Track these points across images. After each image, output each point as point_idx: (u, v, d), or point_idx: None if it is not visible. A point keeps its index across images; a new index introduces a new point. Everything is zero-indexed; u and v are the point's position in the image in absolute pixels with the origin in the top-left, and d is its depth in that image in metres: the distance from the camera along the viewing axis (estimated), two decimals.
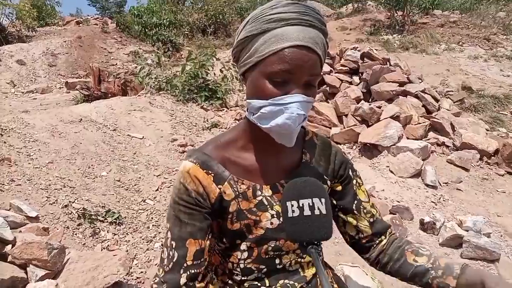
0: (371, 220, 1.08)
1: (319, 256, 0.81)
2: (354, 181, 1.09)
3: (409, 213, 3.61)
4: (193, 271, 0.94)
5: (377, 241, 1.09)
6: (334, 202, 1.07)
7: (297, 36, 0.80)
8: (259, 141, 0.97)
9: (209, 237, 0.98)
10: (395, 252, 1.06)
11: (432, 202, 3.85)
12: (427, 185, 4.07)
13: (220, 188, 0.95)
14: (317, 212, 0.81)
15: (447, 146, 4.84)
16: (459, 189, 4.08)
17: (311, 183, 0.86)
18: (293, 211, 0.81)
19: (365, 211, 1.08)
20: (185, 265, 0.93)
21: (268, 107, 0.84)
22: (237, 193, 0.96)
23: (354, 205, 1.07)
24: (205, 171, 0.94)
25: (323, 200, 0.82)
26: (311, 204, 0.81)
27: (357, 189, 1.09)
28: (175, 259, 0.93)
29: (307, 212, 0.80)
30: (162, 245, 0.98)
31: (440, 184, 4.13)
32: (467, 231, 3.27)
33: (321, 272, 0.75)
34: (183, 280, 0.93)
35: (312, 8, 0.84)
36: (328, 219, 0.82)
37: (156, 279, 0.97)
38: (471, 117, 5.60)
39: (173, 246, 0.93)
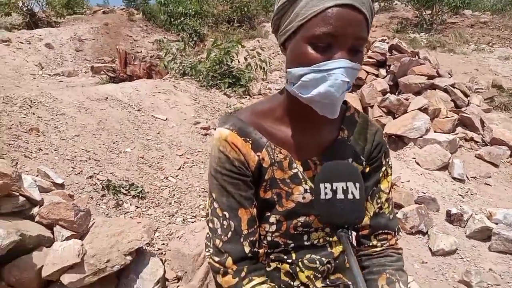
0: (377, 211, 1.02)
1: (349, 240, 0.77)
2: (383, 168, 1.03)
3: (435, 204, 3.51)
4: (252, 239, 0.93)
5: (370, 244, 1.04)
6: None
7: None
8: (296, 114, 0.94)
9: (255, 204, 0.96)
10: (376, 266, 1.02)
11: (460, 195, 3.74)
12: (454, 178, 3.95)
13: (258, 156, 0.93)
14: (350, 196, 0.78)
15: (476, 142, 4.69)
16: (488, 184, 3.95)
17: (347, 166, 0.83)
18: (326, 194, 0.78)
19: (378, 200, 1.02)
20: (243, 234, 0.92)
21: (310, 75, 0.78)
22: (273, 160, 0.93)
23: (372, 191, 1.02)
24: (243, 138, 0.92)
25: (357, 184, 0.79)
26: (345, 188, 0.78)
27: (383, 178, 1.03)
28: (232, 228, 0.92)
29: (340, 195, 0.78)
30: (207, 215, 0.96)
31: (468, 178, 4.01)
32: (497, 224, 3.16)
33: (350, 255, 0.73)
34: (247, 248, 0.92)
35: None
36: (361, 204, 0.79)
37: (210, 250, 0.96)
38: (502, 114, 5.42)
39: (226, 216, 0.92)
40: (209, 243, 0.97)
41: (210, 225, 0.95)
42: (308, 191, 0.96)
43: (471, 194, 3.76)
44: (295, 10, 0.79)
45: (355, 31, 0.76)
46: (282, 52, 0.90)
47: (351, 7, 0.75)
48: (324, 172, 0.82)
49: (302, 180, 0.95)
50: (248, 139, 0.92)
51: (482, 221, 3.18)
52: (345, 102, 1.01)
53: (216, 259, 0.93)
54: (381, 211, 1.03)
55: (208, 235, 0.99)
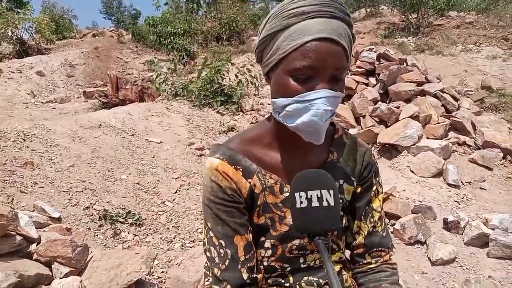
0: (370, 230, 1.04)
1: (326, 247, 0.78)
2: (374, 188, 1.05)
3: (432, 213, 3.53)
4: (249, 265, 0.95)
5: (365, 262, 1.05)
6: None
7: (319, 29, 0.78)
8: (284, 139, 0.96)
9: (250, 230, 0.97)
10: (372, 281, 1.04)
11: (455, 201, 3.76)
12: (450, 185, 3.97)
13: (250, 182, 0.94)
14: (325, 203, 0.79)
15: (469, 146, 4.73)
16: (483, 188, 3.98)
17: (320, 174, 0.84)
18: (301, 202, 0.79)
19: (371, 219, 1.04)
20: (241, 261, 0.93)
21: (293, 105, 0.82)
22: (264, 186, 0.95)
23: (364, 210, 1.04)
24: (233, 166, 0.94)
25: (331, 191, 0.80)
26: (319, 196, 0.79)
27: (374, 197, 1.05)
28: (229, 256, 0.93)
29: (315, 203, 0.79)
30: (204, 244, 0.97)
31: (463, 184, 4.03)
32: (493, 229, 3.18)
33: (327, 261, 0.73)
34: (245, 275, 0.93)
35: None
36: (336, 210, 0.81)
37: (209, 279, 0.97)
38: (492, 116, 5.47)
39: (223, 245, 0.93)
40: (208, 272, 0.97)
41: (208, 254, 0.96)
42: None
43: (467, 199, 3.79)
44: (276, 43, 0.82)
45: (334, 62, 0.79)
46: (267, 81, 0.94)
47: (329, 40, 0.78)
48: (298, 181, 0.83)
49: None
50: (238, 167, 0.94)
51: (479, 228, 3.20)
52: (333, 124, 1.04)
53: None
54: (374, 230, 1.05)
55: (206, 264, 0.99)
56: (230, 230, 0.93)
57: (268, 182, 0.96)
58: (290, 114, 0.83)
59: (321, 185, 0.81)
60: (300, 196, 0.80)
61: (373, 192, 1.05)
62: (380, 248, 1.05)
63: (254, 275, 0.96)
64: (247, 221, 0.96)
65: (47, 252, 2.25)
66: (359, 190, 1.04)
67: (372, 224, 1.04)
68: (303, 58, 0.78)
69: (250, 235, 0.97)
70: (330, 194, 0.80)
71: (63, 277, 2.20)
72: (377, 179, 1.06)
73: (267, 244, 0.99)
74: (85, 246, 2.38)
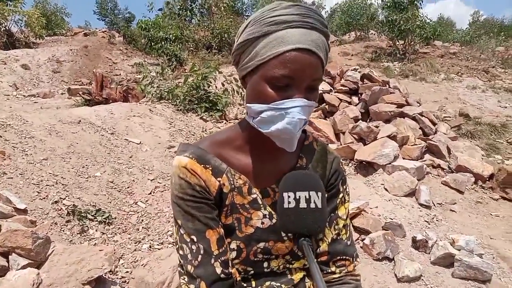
0: (334, 237, 1.04)
1: (310, 248, 0.79)
2: (341, 195, 1.05)
3: (401, 230, 3.57)
4: (223, 258, 0.93)
5: (329, 271, 1.05)
6: None
7: (299, 39, 0.79)
8: (256, 143, 0.97)
9: (221, 225, 0.97)
10: None
11: (426, 221, 3.82)
12: (421, 205, 4.04)
13: (219, 181, 0.94)
14: (312, 205, 0.80)
15: (443, 169, 4.84)
16: (453, 210, 4.06)
17: (310, 176, 0.86)
18: (289, 202, 0.81)
19: (336, 227, 1.04)
20: (214, 255, 0.92)
21: (268, 112, 0.83)
22: (233, 186, 0.95)
23: (329, 217, 1.04)
24: (202, 165, 0.93)
25: (319, 194, 0.82)
26: (307, 197, 0.80)
27: (340, 204, 1.06)
28: (201, 251, 0.92)
29: (303, 204, 0.80)
30: (176, 243, 0.96)
31: (434, 205, 4.11)
32: (459, 250, 3.24)
33: (312, 263, 0.74)
34: (218, 269, 0.92)
35: (314, 10, 0.84)
36: (323, 213, 0.82)
37: (184, 278, 0.95)
38: (467, 142, 5.63)
39: (194, 240, 0.92)
40: (182, 271, 0.96)
41: (180, 252, 0.94)
42: (267, 216, 0.97)
43: (437, 220, 3.86)
44: (255, 49, 0.83)
45: (311, 73, 0.81)
46: (242, 85, 0.95)
47: (309, 51, 0.80)
48: (287, 181, 0.84)
49: (261, 206, 0.97)
50: (207, 166, 0.94)
51: (445, 248, 3.25)
52: (304, 131, 1.04)
53: (191, 286, 0.93)
54: (338, 237, 1.04)
55: (180, 263, 0.97)
56: (201, 225, 0.92)
57: (237, 182, 0.96)
58: (265, 121, 0.84)
59: (310, 187, 0.82)
60: (289, 196, 0.81)
61: (339, 200, 1.05)
62: (344, 257, 1.04)
63: (229, 270, 0.94)
64: (217, 216, 0.96)
65: (5, 242, 2.18)
66: (326, 196, 1.05)
67: (337, 232, 1.04)
68: (282, 67, 0.79)
69: (222, 229, 0.96)
70: (318, 196, 0.81)
71: (20, 269, 2.13)
72: (344, 187, 1.07)
73: (233, 245, 0.98)
74: (47, 239, 2.32)
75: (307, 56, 0.80)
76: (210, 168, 0.94)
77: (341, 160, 1.10)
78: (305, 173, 0.87)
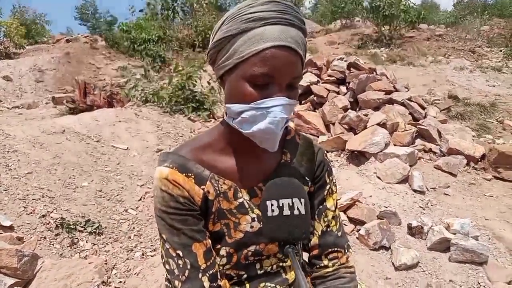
0: (324, 229, 1.03)
1: (296, 256, 0.79)
2: (328, 187, 1.05)
3: (396, 218, 3.55)
4: (211, 272, 0.91)
5: (322, 265, 1.04)
6: None
7: (278, 36, 0.78)
8: (238, 144, 0.94)
9: (209, 235, 0.94)
10: None
11: (420, 207, 3.80)
12: (415, 191, 4.03)
13: (203, 189, 0.92)
14: (296, 212, 0.80)
15: (434, 153, 4.83)
16: (447, 194, 4.05)
17: (292, 183, 0.85)
18: (272, 211, 0.80)
19: (325, 219, 1.03)
20: (201, 269, 0.90)
21: (249, 112, 0.81)
22: (218, 192, 0.93)
23: (318, 210, 1.04)
24: (184, 174, 0.90)
25: (302, 200, 0.81)
26: (290, 204, 0.80)
27: (328, 196, 1.05)
28: (188, 266, 0.89)
29: (286, 212, 0.79)
30: (162, 257, 0.93)
31: (428, 190, 4.10)
32: (455, 234, 3.22)
33: (298, 271, 0.74)
34: (206, 284, 0.90)
35: (291, 6, 0.82)
36: (306, 219, 0.81)
37: None
38: (457, 124, 5.63)
39: (180, 255, 0.89)
40: (169, 285, 0.95)
41: (167, 266, 0.92)
42: (256, 219, 0.95)
43: (431, 205, 3.84)
44: (233, 47, 0.80)
45: (291, 71, 0.80)
46: (220, 84, 0.93)
47: (288, 48, 0.78)
48: (270, 189, 0.84)
49: (249, 209, 0.95)
50: (190, 174, 0.91)
51: (441, 232, 3.24)
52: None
53: None
54: (328, 229, 1.03)
55: (167, 277, 0.96)
56: (187, 239, 0.89)
57: (221, 187, 0.93)
58: (246, 121, 0.82)
59: (293, 194, 0.81)
60: (272, 204, 0.80)
61: (326, 191, 1.04)
62: (335, 249, 1.04)
63: (217, 283, 0.92)
64: (204, 227, 0.93)
65: None
66: (312, 189, 1.04)
67: (326, 224, 1.03)
68: (262, 64, 0.77)
69: (209, 240, 0.94)
70: (301, 203, 0.81)
71: None
72: (331, 178, 1.06)
73: (223, 251, 0.97)
74: (34, 256, 2.26)
75: (287, 54, 0.78)
76: (193, 177, 0.91)
77: (325, 152, 1.08)
78: (288, 179, 0.86)
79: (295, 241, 0.80)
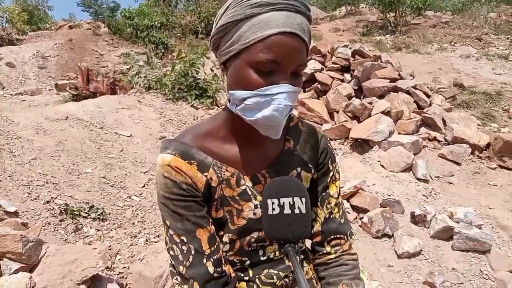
0: (327, 216, 1.03)
1: (296, 254, 0.78)
2: (331, 174, 1.04)
3: (400, 207, 3.55)
4: (215, 257, 0.91)
5: (324, 251, 1.04)
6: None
7: (285, 22, 0.76)
8: (241, 132, 0.93)
9: (212, 221, 0.94)
10: (333, 276, 1.03)
11: (424, 195, 3.80)
12: (418, 179, 4.02)
13: (206, 176, 0.91)
14: (297, 211, 0.79)
15: (439, 141, 4.80)
16: (451, 183, 4.03)
17: (293, 182, 0.85)
18: (273, 209, 0.80)
19: (328, 206, 1.03)
20: (205, 254, 0.90)
21: (253, 98, 0.79)
22: (220, 179, 0.92)
23: (321, 197, 1.03)
24: (187, 161, 0.90)
25: (303, 199, 0.81)
26: (291, 203, 0.79)
27: (331, 183, 1.05)
28: (192, 252, 0.90)
29: (287, 210, 0.79)
30: (166, 244, 0.93)
31: (432, 178, 4.08)
32: (458, 222, 3.22)
33: (297, 269, 0.73)
34: (211, 269, 0.90)
35: None
36: (307, 218, 0.81)
37: (177, 278, 0.94)
38: (462, 113, 5.57)
39: (184, 241, 0.89)
40: (174, 271, 0.94)
41: (171, 252, 0.92)
42: (259, 206, 0.95)
43: (435, 194, 3.83)
44: (238, 32, 0.79)
45: (297, 58, 0.79)
46: (222, 71, 0.91)
47: (294, 35, 0.77)
48: (271, 188, 0.83)
49: (252, 196, 0.95)
50: (192, 161, 0.90)
51: (444, 221, 3.23)
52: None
53: (184, 287, 0.92)
54: (331, 216, 1.03)
55: (171, 263, 0.96)
56: (191, 225, 0.89)
57: (224, 174, 0.93)
58: (250, 108, 0.81)
59: (294, 193, 0.81)
60: (273, 203, 0.80)
61: (329, 178, 1.04)
62: (338, 236, 1.04)
63: (222, 268, 0.93)
64: (207, 213, 0.93)
65: None
66: (316, 176, 1.03)
67: (329, 210, 1.03)
68: (267, 51, 0.76)
69: (213, 226, 0.94)
70: (302, 202, 0.80)
71: (12, 273, 2.09)
72: (334, 165, 1.06)
73: (225, 238, 0.97)
74: (38, 241, 2.27)
75: (293, 40, 0.77)
76: (195, 163, 0.90)
77: (328, 139, 1.08)
78: (290, 179, 0.87)
79: (295, 240, 0.80)
